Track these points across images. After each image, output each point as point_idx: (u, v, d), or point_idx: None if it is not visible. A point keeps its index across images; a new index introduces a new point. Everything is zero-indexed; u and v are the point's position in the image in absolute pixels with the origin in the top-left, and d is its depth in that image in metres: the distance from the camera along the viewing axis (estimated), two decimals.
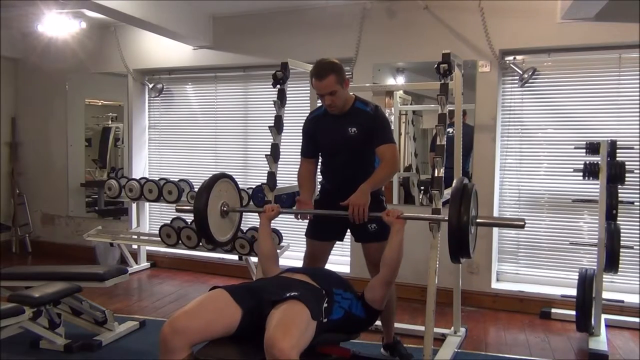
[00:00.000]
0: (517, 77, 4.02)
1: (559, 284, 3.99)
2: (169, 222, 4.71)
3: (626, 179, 3.36)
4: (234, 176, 5.04)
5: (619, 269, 3.32)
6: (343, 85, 2.60)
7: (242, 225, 4.61)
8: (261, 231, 2.67)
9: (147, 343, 3.24)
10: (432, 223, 2.45)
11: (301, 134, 2.90)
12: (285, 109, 3.13)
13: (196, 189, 4.73)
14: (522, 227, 2.30)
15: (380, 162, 2.67)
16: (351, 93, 2.76)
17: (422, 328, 2.48)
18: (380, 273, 2.41)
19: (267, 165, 3.03)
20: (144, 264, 5.20)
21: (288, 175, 4.27)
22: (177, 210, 3.04)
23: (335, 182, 2.83)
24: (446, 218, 2.25)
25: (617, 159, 3.37)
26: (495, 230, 4.11)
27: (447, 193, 2.73)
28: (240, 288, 2.21)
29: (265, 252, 2.60)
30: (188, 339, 1.96)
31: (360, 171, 2.71)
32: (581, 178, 3.43)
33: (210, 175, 2.69)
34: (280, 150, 3.06)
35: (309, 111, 3.36)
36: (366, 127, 2.66)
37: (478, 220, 2.37)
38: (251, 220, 4.88)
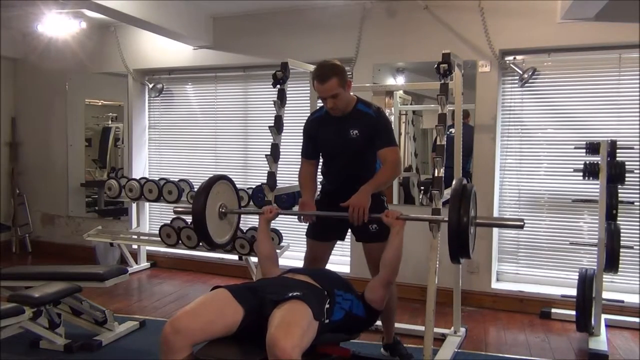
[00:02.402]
0: (517, 77, 4.02)
1: (559, 284, 3.99)
2: (169, 222, 4.70)
3: (626, 179, 3.36)
4: (234, 176, 5.05)
5: (619, 269, 3.32)
6: (345, 87, 2.60)
7: (241, 225, 4.65)
8: (260, 233, 2.68)
9: (147, 343, 3.24)
10: (432, 223, 2.45)
11: (301, 134, 2.89)
12: (285, 109, 3.13)
13: (196, 189, 4.77)
14: (521, 227, 2.32)
15: (382, 165, 2.67)
16: (352, 94, 2.75)
17: (422, 328, 2.49)
18: (380, 273, 2.42)
19: (267, 165, 3.03)
20: (144, 264, 5.20)
21: (288, 175, 4.27)
22: (175, 212, 3.03)
23: (336, 183, 2.83)
24: (446, 219, 2.25)
25: (617, 159, 3.37)
26: (495, 230, 4.11)
27: (448, 193, 2.74)
28: (242, 288, 2.22)
29: (264, 253, 2.61)
30: (189, 339, 1.96)
31: (361, 173, 2.71)
32: (581, 178, 3.43)
33: (208, 177, 2.68)
34: (280, 150, 3.05)
35: (309, 111, 3.37)
36: (368, 129, 2.66)
37: (477, 221, 2.38)
38: (251, 220, 4.89)
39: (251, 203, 4.42)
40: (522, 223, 2.31)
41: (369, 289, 2.42)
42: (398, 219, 2.42)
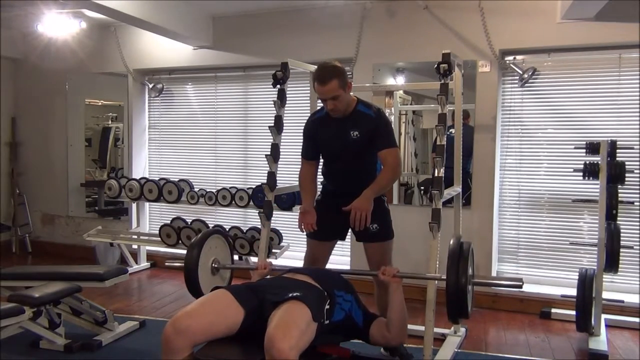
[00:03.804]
0: (517, 77, 4.02)
1: (559, 284, 3.99)
2: (169, 222, 4.71)
3: (626, 179, 3.36)
4: (234, 176, 5.02)
5: (619, 269, 3.32)
6: (345, 89, 2.60)
7: (242, 225, 4.65)
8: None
9: (147, 343, 3.24)
10: (432, 223, 2.45)
11: (301, 134, 2.90)
12: (285, 109, 3.12)
13: (196, 189, 4.78)
14: (520, 287, 2.29)
15: (383, 166, 2.67)
16: (351, 94, 2.75)
17: (422, 328, 2.49)
18: (390, 333, 2.38)
19: (267, 165, 3.03)
20: (144, 264, 5.20)
21: (288, 175, 4.27)
22: (167, 267, 3.00)
23: (336, 184, 2.83)
24: (444, 277, 2.24)
25: (617, 159, 3.37)
26: (495, 230, 4.11)
27: (448, 193, 2.74)
28: (243, 288, 2.22)
29: None
30: (190, 339, 1.96)
31: (361, 174, 2.71)
32: (581, 178, 3.43)
33: (202, 232, 2.66)
34: (280, 150, 3.06)
35: (309, 111, 3.37)
36: (368, 130, 2.66)
37: (475, 280, 2.37)
38: (251, 220, 4.90)
39: (251, 203, 4.43)
40: (520, 283, 2.28)
41: (377, 330, 2.39)
42: (394, 277, 2.38)
